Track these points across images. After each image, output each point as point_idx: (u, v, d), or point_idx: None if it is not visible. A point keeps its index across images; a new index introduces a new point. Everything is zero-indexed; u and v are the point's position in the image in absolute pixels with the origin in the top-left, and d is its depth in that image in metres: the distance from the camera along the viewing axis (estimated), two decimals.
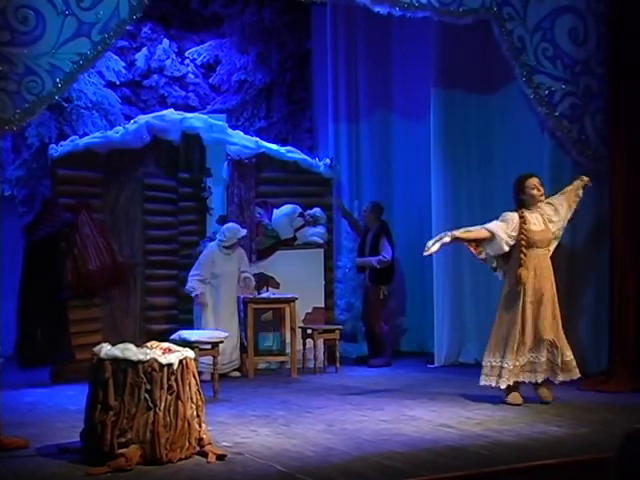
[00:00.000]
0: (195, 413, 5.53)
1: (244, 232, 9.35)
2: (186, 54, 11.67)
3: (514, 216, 7.31)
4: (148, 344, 5.81)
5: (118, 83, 11.06)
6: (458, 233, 7.25)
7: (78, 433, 5.57)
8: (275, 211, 10.02)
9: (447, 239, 7.13)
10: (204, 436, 5.56)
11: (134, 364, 5.37)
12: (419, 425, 6.41)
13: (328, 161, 10.33)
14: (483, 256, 7.41)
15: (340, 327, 9.81)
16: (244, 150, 9.91)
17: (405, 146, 10.99)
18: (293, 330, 9.31)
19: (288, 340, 9.44)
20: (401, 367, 9.71)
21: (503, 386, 7.16)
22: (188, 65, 11.66)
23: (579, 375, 7.33)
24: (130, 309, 9.49)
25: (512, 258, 7.29)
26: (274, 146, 10.29)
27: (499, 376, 7.15)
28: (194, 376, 5.60)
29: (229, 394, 7.94)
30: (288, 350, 9.42)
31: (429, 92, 10.00)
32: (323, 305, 9.96)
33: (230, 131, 10.07)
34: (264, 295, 9.52)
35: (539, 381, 7.19)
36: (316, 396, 7.82)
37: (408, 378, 8.90)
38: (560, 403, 7.22)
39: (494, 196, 9.96)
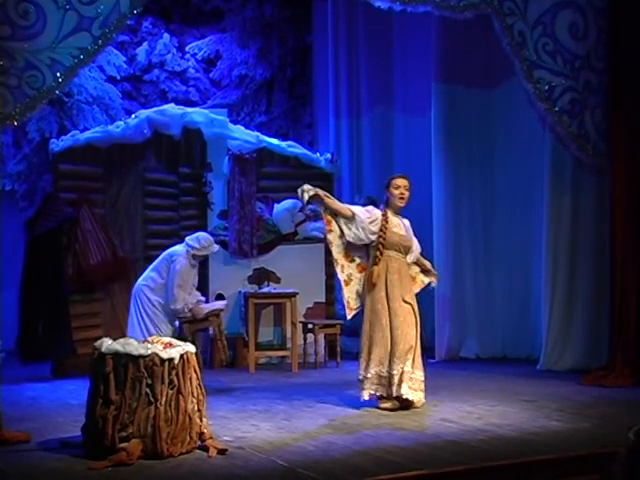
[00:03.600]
0: (196, 407, 5.54)
1: (217, 248, 8.72)
2: (187, 49, 11.67)
3: (378, 212, 6.92)
4: (149, 338, 5.84)
5: (119, 78, 11.07)
6: (324, 196, 6.79)
7: (79, 427, 5.57)
8: (276, 206, 10.02)
9: (312, 192, 6.70)
10: (205, 430, 5.56)
11: (135, 358, 5.37)
12: (420, 420, 6.41)
13: (329, 156, 10.33)
14: (331, 236, 6.86)
15: (341, 322, 9.80)
16: (245, 145, 9.92)
17: (406, 141, 10.98)
18: (294, 325, 9.32)
19: (289, 335, 9.46)
20: None
21: (366, 397, 6.79)
22: (189, 60, 11.66)
23: (423, 402, 6.81)
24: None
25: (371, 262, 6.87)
26: (275, 141, 10.29)
27: (363, 388, 6.81)
28: (195, 370, 5.60)
29: (230, 388, 7.95)
30: (289, 345, 9.43)
31: (430, 87, 10.00)
32: (324, 300, 9.97)
33: (231, 126, 10.08)
34: (265, 290, 9.53)
35: (392, 395, 6.74)
36: (317, 391, 7.82)
37: None
38: (560, 398, 7.23)
39: (495, 191, 9.98)
